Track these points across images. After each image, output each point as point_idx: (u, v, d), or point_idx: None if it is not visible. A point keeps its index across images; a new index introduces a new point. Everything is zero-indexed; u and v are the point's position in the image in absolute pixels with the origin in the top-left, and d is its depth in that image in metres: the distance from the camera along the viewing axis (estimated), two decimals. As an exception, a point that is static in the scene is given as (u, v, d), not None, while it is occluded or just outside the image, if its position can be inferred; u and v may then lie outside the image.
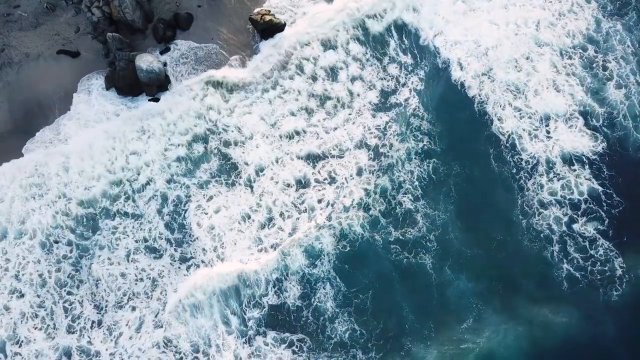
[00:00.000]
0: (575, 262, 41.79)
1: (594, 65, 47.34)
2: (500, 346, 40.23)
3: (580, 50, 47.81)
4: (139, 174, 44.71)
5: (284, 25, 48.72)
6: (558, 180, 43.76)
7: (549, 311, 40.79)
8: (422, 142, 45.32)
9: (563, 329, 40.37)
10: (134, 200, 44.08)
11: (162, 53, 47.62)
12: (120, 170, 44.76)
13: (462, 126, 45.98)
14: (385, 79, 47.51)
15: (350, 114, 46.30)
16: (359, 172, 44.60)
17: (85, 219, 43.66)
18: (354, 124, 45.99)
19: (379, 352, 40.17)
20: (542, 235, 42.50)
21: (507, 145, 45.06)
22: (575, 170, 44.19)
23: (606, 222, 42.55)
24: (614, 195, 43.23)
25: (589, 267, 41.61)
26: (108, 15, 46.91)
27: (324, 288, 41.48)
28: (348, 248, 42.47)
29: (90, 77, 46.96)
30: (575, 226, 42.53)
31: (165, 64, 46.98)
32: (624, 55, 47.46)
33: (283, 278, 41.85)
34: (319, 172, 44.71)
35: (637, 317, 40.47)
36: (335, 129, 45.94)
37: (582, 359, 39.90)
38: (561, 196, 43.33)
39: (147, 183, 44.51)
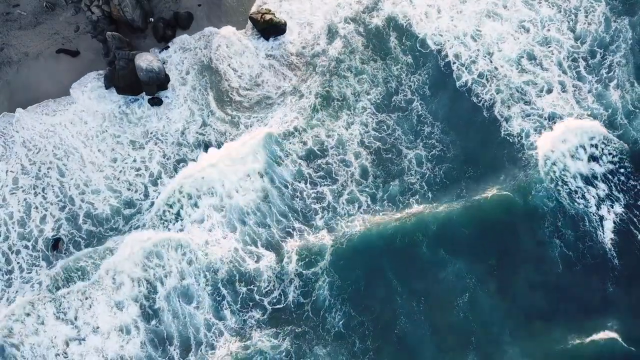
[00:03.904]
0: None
1: (599, 64, 47.16)
2: (496, 331, 40.19)
3: (585, 49, 47.65)
4: (146, 196, 43.96)
5: (285, 24, 48.54)
6: (564, 172, 43.68)
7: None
8: (430, 145, 45.18)
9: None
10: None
11: (161, 52, 47.47)
12: (127, 185, 44.17)
13: (466, 125, 45.80)
14: (386, 78, 47.36)
15: (350, 115, 46.20)
16: (364, 175, 44.38)
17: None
18: (354, 125, 45.86)
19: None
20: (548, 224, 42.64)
21: (515, 145, 44.86)
22: (580, 169, 44.00)
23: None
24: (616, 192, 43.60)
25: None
26: (108, 14, 46.73)
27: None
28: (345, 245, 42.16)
29: (89, 76, 46.73)
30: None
31: (164, 63, 46.89)
32: (627, 54, 47.31)
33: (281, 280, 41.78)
34: (316, 172, 44.51)
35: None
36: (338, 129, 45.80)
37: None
38: (568, 191, 43.26)
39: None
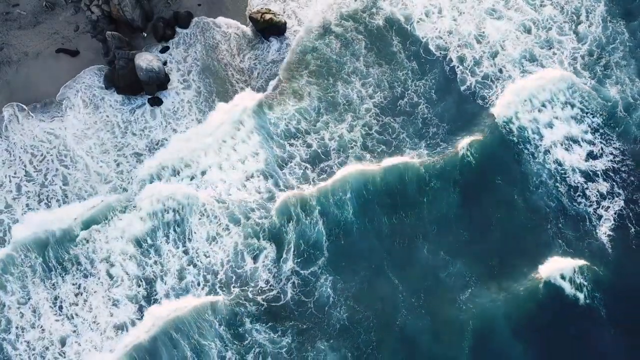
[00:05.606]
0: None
1: (598, 63, 47.37)
2: (494, 324, 39.93)
3: (585, 47, 47.91)
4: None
5: (285, 24, 48.29)
6: (564, 168, 43.92)
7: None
8: (434, 145, 45.02)
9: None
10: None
11: (161, 52, 47.32)
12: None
13: (470, 125, 45.75)
14: (389, 80, 47.04)
15: (354, 118, 45.84)
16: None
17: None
18: (357, 127, 45.48)
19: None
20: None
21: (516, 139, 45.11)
22: (581, 163, 44.19)
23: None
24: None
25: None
26: (107, 13, 46.63)
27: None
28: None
29: (87, 75, 46.53)
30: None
31: (165, 63, 46.68)
32: (625, 54, 47.59)
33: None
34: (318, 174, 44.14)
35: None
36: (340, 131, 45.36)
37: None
38: (567, 187, 43.44)
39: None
